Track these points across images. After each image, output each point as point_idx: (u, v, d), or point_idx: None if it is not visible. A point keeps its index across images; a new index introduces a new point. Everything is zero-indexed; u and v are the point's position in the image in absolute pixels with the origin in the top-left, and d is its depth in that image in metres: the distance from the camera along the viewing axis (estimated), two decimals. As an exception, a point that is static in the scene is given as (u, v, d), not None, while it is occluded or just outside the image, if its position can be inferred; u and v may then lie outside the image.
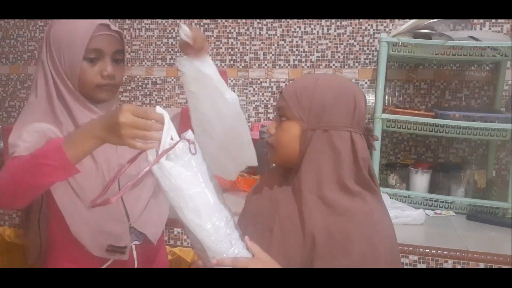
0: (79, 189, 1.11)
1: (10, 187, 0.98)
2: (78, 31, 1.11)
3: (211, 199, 0.89)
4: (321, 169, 0.94)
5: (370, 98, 2.10)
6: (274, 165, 1.16)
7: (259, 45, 2.25)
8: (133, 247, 1.20)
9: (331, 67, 2.16)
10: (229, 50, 2.30)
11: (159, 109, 0.89)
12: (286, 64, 2.23)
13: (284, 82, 2.24)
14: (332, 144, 0.94)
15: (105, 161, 1.15)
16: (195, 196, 0.87)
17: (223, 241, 0.88)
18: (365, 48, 2.12)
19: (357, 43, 2.12)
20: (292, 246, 0.92)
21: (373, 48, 2.11)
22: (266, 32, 2.24)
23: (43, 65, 1.15)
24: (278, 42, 2.22)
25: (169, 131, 0.87)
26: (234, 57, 2.29)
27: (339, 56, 2.15)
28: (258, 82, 2.28)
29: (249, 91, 2.29)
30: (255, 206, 1.05)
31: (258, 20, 2.24)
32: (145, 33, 2.40)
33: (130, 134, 0.87)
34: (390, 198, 1.74)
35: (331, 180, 0.93)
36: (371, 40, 2.11)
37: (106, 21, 1.15)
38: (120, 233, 1.16)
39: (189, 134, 0.90)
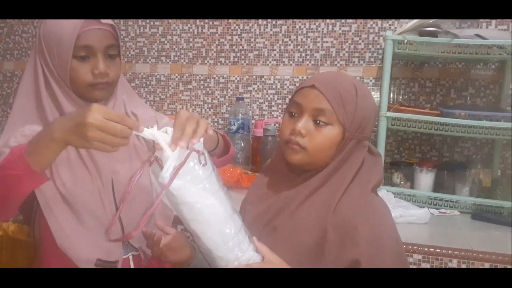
0: (72, 198, 1.05)
1: None
2: (66, 27, 1.04)
3: (221, 210, 0.87)
4: (348, 174, 0.95)
5: (375, 96, 2.09)
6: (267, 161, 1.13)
7: (264, 42, 2.24)
8: (130, 258, 1.14)
9: (335, 64, 2.16)
10: (234, 47, 2.29)
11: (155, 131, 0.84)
12: (291, 62, 2.22)
13: (288, 79, 2.23)
14: (363, 155, 0.97)
15: (95, 168, 1.09)
16: (204, 209, 0.85)
17: (235, 249, 0.88)
18: (370, 46, 2.11)
19: (362, 41, 2.11)
20: (302, 242, 0.92)
21: (378, 46, 2.10)
22: (271, 30, 2.23)
23: (34, 64, 1.10)
24: (282, 40, 2.22)
25: (166, 144, 0.83)
26: (238, 54, 2.29)
27: (344, 54, 2.14)
28: (262, 79, 2.27)
29: (253, 88, 2.29)
30: (258, 205, 1.04)
31: (262, 17, 2.24)
32: (150, 30, 2.40)
33: (96, 137, 0.81)
34: (395, 196, 1.73)
35: (354, 184, 0.95)
36: (376, 38, 2.10)
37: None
38: (111, 247, 1.10)
39: (198, 144, 0.85)
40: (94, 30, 1.05)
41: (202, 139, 0.87)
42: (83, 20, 1.04)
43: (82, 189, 1.06)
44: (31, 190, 0.97)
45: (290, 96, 1.01)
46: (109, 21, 1.09)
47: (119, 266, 1.11)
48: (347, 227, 0.89)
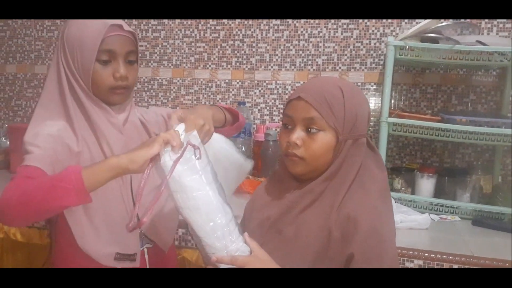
0: (93, 194, 1.05)
1: (20, 206, 0.94)
2: (90, 32, 1.09)
3: (214, 200, 0.92)
4: (349, 173, 0.97)
5: (376, 101, 2.10)
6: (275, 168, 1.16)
7: (266, 47, 2.25)
8: (145, 250, 1.20)
9: (337, 70, 2.16)
10: (235, 52, 2.30)
11: (178, 124, 0.97)
12: (292, 67, 2.23)
13: (289, 84, 2.24)
14: (362, 152, 0.98)
15: None
16: (198, 197, 0.91)
17: (224, 240, 0.91)
18: (371, 52, 2.11)
19: (364, 47, 2.12)
20: (308, 245, 0.94)
21: (379, 52, 2.10)
22: (273, 34, 2.24)
23: (57, 65, 1.14)
24: (284, 45, 2.23)
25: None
26: (240, 59, 2.30)
27: (345, 59, 2.15)
28: (264, 84, 2.28)
29: (255, 93, 2.29)
30: (263, 211, 1.05)
31: (264, 22, 2.24)
32: (152, 34, 2.41)
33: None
34: (395, 202, 1.73)
35: (357, 182, 0.97)
36: (377, 44, 2.10)
37: (119, 21, 1.13)
38: (129, 241, 1.15)
39: (193, 136, 0.95)
40: (116, 36, 1.11)
41: (196, 134, 0.96)
42: (108, 25, 1.09)
43: (102, 190, 1.07)
44: (73, 206, 1.00)
45: (286, 101, 1.03)
46: (130, 28, 1.14)
47: (137, 258, 1.16)
48: (350, 224, 0.91)
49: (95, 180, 0.94)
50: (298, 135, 0.97)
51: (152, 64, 2.43)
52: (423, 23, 1.73)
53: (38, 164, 1.01)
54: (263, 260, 0.92)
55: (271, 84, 2.27)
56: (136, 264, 1.16)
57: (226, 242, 0.92)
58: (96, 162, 0.99)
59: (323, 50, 2.18)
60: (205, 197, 0.91)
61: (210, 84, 2.36)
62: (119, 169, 0.94)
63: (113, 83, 1.12)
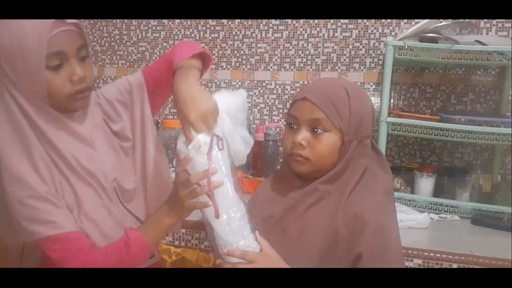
0: (89, 220, 1.02)
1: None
2: (30, 36, 0.89)
3: (230, 192, 0.94)
4: (354, 174, 0.98)
5: (375, 101, 2.10)
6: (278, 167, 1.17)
7: (265, 47, 2.26)
8: None
9: (336, 70, 2.17)
10: (235, 52, 2.30)
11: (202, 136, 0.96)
12: (292, 67, 2.23)
13: (289, 84, 2.24)
14: (367, 153, 0.99)
15: (98, 183, 1.04)
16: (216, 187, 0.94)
17: (236, 233, 0.93)
18: (371, 52, 2.12)
19: (363, 46, 2.13)
20: (314, 244, 0.94)
21: (379, 52, 2.11)
22: (272, 35, 2.24)
23: None
24: (284, 45, 2.23)
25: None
26: (239, 59, 2.30)
27: (344, 59, 2.15)
28: (264, 84, 2.28)
29: (254, 93, 2.30)
30: (266, 208, 1.05)
31: (264, 23, 2.25)
32: (152, 35, 2.41)
33: (190, 195, 0.95)
34: (395, 201, 1.74)
35: (362, 183, 0.98)
36: (377, 44, 2.11)
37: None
38: None
39: (218, 130, 0.97)
40: (61, 32, 0.92)
41: (219, 129, 0.97)
42: (50, 23, 0.91)
43: (95, 206, 1.03)
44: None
45: (291, 101, 1.03)
46: (73, 19, 0.96)
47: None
48: (357, 223, 0.92)
49: (159, 239, 1.06)
50: (303, 135, 0.97)
51: (151, 64, 2.43)
52: (422, 23, 1.73)
53: (71, 228, 0.98)
54: (273, 259, 0.93)
55: (271, 84, 2.27)
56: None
57: (238, 236, 0.93)
58: (151, 226, 1.04)
59: (323, 50, 2.18)
60: (223, 188, 0.93)
61: (209, 84, 2.36)
62: (176, 221, 1.03)
63: (71, 89, 0.95)
